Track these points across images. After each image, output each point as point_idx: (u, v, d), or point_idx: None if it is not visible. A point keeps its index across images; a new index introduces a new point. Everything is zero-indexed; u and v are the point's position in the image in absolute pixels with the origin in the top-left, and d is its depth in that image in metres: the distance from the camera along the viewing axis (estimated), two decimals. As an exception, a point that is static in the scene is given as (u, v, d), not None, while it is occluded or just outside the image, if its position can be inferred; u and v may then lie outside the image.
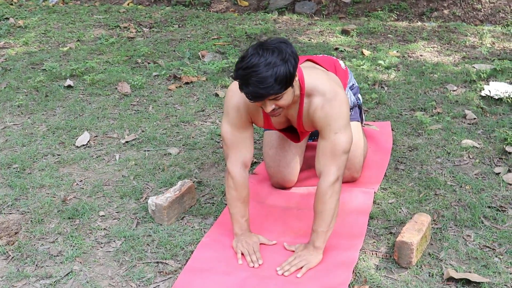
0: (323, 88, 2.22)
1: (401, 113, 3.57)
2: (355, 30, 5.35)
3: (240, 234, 2.34)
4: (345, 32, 5.38)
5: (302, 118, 2.30)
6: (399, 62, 4.50)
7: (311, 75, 2.25)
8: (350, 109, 2.68)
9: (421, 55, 4.69)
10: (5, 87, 4.27)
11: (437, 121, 3.43)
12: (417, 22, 6.03)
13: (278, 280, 2.14)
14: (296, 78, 2.13)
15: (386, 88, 4.01)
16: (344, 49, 4.86)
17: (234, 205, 2.33)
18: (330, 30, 5.54)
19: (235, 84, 2.20)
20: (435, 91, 3.91)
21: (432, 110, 3.58)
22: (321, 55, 2.76)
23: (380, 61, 4.46)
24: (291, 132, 2.54)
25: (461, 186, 2.73)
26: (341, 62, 2.78)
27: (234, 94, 2.28)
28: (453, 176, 2.82)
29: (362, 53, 4.74)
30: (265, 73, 1.94)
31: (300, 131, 2.45)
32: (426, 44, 4.98)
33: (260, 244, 2.34)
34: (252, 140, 2.37)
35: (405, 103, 3.73)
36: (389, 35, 5.30)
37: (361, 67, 4.40)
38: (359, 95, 2.92)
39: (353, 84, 2.85)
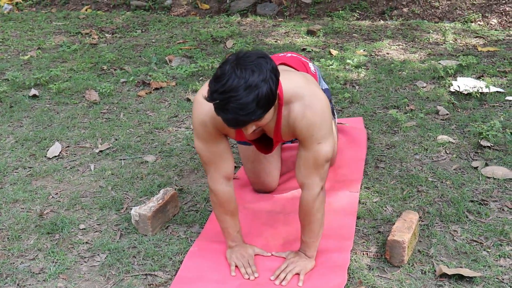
0: (301, 92, 2.03)
1: (375, 112, 3.59)
2: (321, 30, 5.37)
3: (234, 246, 2.28)
4: (310, 33, 5.39)
5: (280, 129, 2.09)
6: (367, 60, 4.54)
7: (287, 79, 2.04)
8: None
9: (387, 53, 4.74)
10: (-35, 99, 4.10)
11: (411, 118, 3.46)
12: (380, 20, 6.11)
13: (272, 286, 2.10)
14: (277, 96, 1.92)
15: (357, 87, 4.03)
16: (312, 50, 4.87)
17: (223, 220, 2.25)
18: (295, 31, 5.55)
19: (200, 95, 2.01)
20: (406, 88, 3.95)
21: (405, 107, 3.62)
22: (290, 55, 2.56)
23: (348, 60, 4.48)
24: (263, 141, 2.33)
25: (442, 182, 2.76)
26: (311, 65, 2.60)
27: (199, 106, 2.07)
28: (433, 172, 2.85)
29: (330, 53, 4.76)
30: (246, 98, 1.73)
31: (276, 141, 2.24)
32: (391, 42, 5.04)
33: (255, 255, 2.29)
34: (229, 151, 2.18)
35: (378, 101, 3.76)
36: (354, 34, 5.34)
37: (330, 67, 4.42)
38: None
39: (324, 88, 2.71)
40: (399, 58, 4.61)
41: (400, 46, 4.93)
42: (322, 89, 2.54)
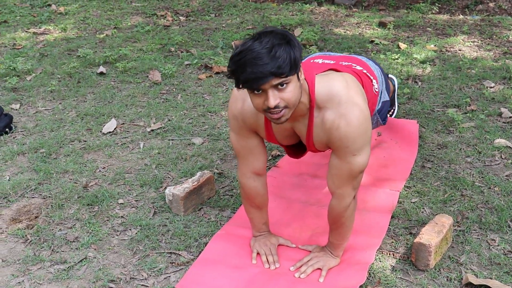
0: (338, 97, 1.86)
1: (433, 109, 3.45)
2: (392, 22, 5.21)
3: (259, 235, 2.29)
4: (382, 25, 5.25)
5: (312, 134, 1.95)
6: (435, 56, 4.35)
7: (324, 81, 1.90)
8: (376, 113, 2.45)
9: (459, 50, 4.52)
10: (40, 72, 4.35)
11: (471, 118, 3.30)
12: (459, 15, 5.83)
13: (289, 277, 2.10)
14: (302, 77, 1.81)
15: (420, 83, 3.88)
16: (380, 42, 4.74)
17: (250, 211, 2.25)
18: (367, 22, 5.41)
19: (235, 89, 1.90)
20: (471, 88, 3.76)
21: (466, 107, 3.45)
22: (352, 55, 2.36)
23: (415, 55, 4.32)
24: (297, 148, 2.23)
25: (489, 188, 2.62)
26: (375, 84, 2.32)
27: (234, 100, 2.02)
28: (482, 177, 2.70)
29: (398, 47, 4.61)
30: (263, 50, 1.63)
31: (309, 149, 2.08)
32: (466, 38, 4.81)
33: (278, 245, 2.29)
34: (261, 148, 2.11)
35: (438, 99, 3.60)
36: (428, 28, 5.14)
37: (396, 61, 4.28)
38: (395, 82, 2.81)
39: (384, 100, 2.51)
40: (471, 55, 4.39)
41: (475, 43, 4.69)
42: (381, 101, 2.44)
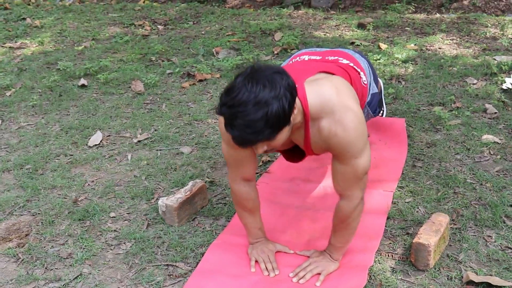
0: (330, 106, 1.85)
1: (419, 108, 3.47)
2: (371, 23, 5.25)
3: (255, 242, 2.27)
4: (361, 26, 5.28)
5: (310, 144, 1.96)
6: (416, 55, 4.39)
7: (315, 91, 1.88)
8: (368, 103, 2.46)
9: (439, 48, 4.57)
10: (20, 87, 4.27)
11: (457, 116, 3.32)
12: (436, 14, 5.90)
13: (289, 283, 2.08)
14: (297, 104, 1.78)
15: (403, 82, 3.91)
16: (360, 43, 4.76)
17: (243, 216, 2.23)
18: (346, 24, 5.44)
19: None
20: (454, 85, 3.80)
21: (451, 104, 3.47)
22: (342, 59, 2.30)
23: (397, 55, 4.35)
24: (294, 152, 2.21)
25: (481, 184, 2.63)
26: (363, 76, 2.31)
27: None
28: (473, 174, 2.72)
29: (379, 47, 4.64)
30: (254, 115, 1.59)
31: (308, 154, 2.12)
32: (445, 36, 4.86)
33: (276, 252, 2.26)
34: (251, 157, 2.08)
35: (423, 97, 3.63)
36: (406, 28, 5.18)
37: (378, 61, 4.30)
38: (380, 84, 2.82)
39: (373, 92, 2.51)
40: (451, 53, 4.43)
41: (454, 41, 4.74)
42: (370, 93, 2.43)
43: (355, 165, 1.90)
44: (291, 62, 2.36)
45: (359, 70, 2.30)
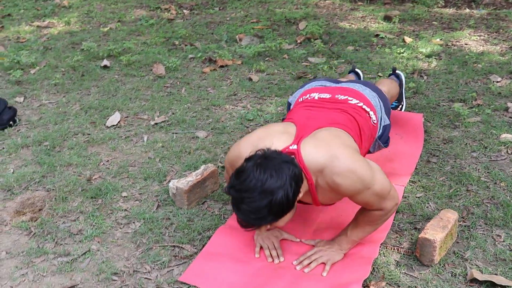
0: (320, 163, 1.90)
1: (438, 104, 3.42)
2: (397, 16, 5.18)
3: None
4: (387, 18, 5.21)
5: (318, 199, 2.01)
6: (441, 50, 4.32)
7: (310, 154, 1.92)
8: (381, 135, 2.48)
9: (466, 44, 4.49)
10: (44, 66, 4.34)
11: (477, 113, 3.27)
12: (465, 9, 5.79)
13: (292, 271, 2.08)
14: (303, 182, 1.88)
15: (425, 77, 3.86)
16: (385, 36, 4.71)
17: None
18: (372, 16, 5.38)
19: (243, 145, 2.02)
20: (477, 82, 3.73)
21: (472, 101, 3.42)
22: (349, 86, 2.39)
23: (421, 49, 4.30)
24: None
25: (495, 183, 2.60)
26: (372, 115, 2.35)
27: (235, 150, 2.06)
28: (488, 172, 2.68)
29: (404, 40, 4.58)
30: (259, 203, 1.70)
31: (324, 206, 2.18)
32: (473, 32, 4.77)
33: (281, 239, 2.28)
34: None
35: (444, 93, 3.58)
36: (433, 22, 5.10)
37: (401, 54, 4.25)
38: (402, 77, 2.99)
39: (382, 128, 2.48)
40: (477, 49, 4.35)
41: (481, 37, 4.65)
42: (382, 126, 2.45)
43: (373, 193, 1.94)
44: (301, 99, 2.41)
45: (368, 109, 2.34)
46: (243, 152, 1.96)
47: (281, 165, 1.75)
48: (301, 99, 2.42)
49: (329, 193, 1.96)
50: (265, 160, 1.76)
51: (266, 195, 1.70)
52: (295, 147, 1.94)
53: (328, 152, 1.92)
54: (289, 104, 2.60)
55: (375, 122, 2.38)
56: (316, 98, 2.36)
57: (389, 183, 1.99)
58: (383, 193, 1.95)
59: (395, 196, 2.01)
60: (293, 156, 1.89)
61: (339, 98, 2.33)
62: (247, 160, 1.78)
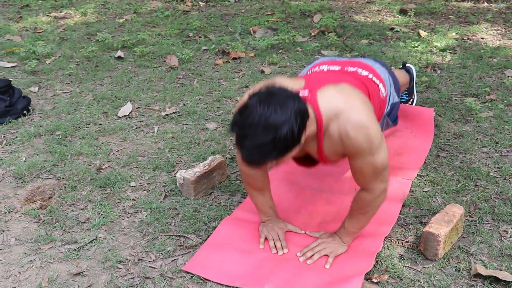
0: (335, 109, 1.86)
1: (450, 98, 3.39)
2: (413, 9, 5.13)
3: (267, 220, 2.29)
4: (403, 12, 5.17)
5: (323, 151, 1.96)
6: (456, 44, 4.28)
7: (325, 101, 1.87)
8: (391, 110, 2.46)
9: (482, 38, 4.44)
10: (59, 56, 4.39)
11: (489, 108, 3.24)
12: (484, 2, 5.71)
13: (295, 262, 2.09)
14: (311, 114, 1.81)
15: (439, 71, 3.82)
16: (400, 30, 4.67)
17: (253, 195, 2.25)
18: (388, 9, 5.34)
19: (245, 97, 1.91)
20: (492, 77, 3.69)
21: (485, 96, 3.38)
22: (362, 71, 2.29)
23: (436, 43, 4.25)
24: (306, 159, 2.19)
25: (505, 178, 2.57)
26: (381, 88, 2.33)
27: (242, 101, 1.94)
28: (497, 167, 2.66)
29: (419, 34, 4.54)
30: (263, 138, 1.62)
31: (323, 163, 2.10)
32: (490, 26, 4.71)
33: (286, 231, 2.28)
34: None
35: (457, 87, 3.54)
36: (450, 16, 5.05)
37: (415, 48, 4.22)
38: (413, 71, 2.95)
39: (391, 105, 2.47)
40: (494, 43, 4.30)
41: (498, 31, 4.59)
42: (390, 103, 2.42)
43: (372, 161, 1.90)
44: (310, 71, 2.38)
45: (378, 82, 2.30)
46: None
47: (285, 99, 1.68)
48: (310, 71, 2.37)
49: (335, 144, 1.89)
50: (269, 95, 1.69)
51: (270, 130, 1.63)
52: (306, 92, 1.88)
53: (347, 101, 1.87)
54: None
55: (384, 95, 2.34)
56: (325, 70, 2.31)
57: (387, 162, 1.95)
58: (379, 168, 1.92)
59: (385, 180, 1.99)
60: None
61: (349, 70, 2.28)
62: (251, 96, 1.70)
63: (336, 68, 2.29)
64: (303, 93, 1.89)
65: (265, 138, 1.63)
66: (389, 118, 2.46)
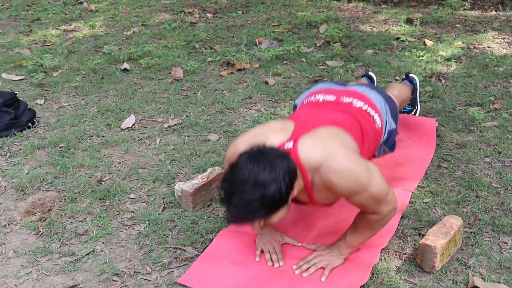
0: (316, 161, 1.87)
1: (454, 108, 3.37)
2: (419, 19, 5.11)
3: (263, 232, 2.28)
4: (409, 21, 5.15)
5: (314, 198, 1.98)
6: (462, 53, 4.25)
7: (307, 152, 1.90)
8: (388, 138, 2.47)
9: (488, 47, 4.40)
10: (66, 69, 4.44)
11: (493, 117, 3.20)
12: (491, 11, 5.67)
13: (291, 275, 2.08)
14: (297, 173, 1.84)
15: (443, 81, 3.80)
16: (406, 39, 4.65)
17: None
18: (394, 19, 5.33)
19: (237, 144, 1.99)
20: (497, 86, 3.66)
21: (489, 105, 3.35)
22: (354, 89, 2.36)
23: (441, 52, 4.23)
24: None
25: (506, 189, 2.54)
26: (377, 119, 2.34)
27: (234, 148, 2.02)
28: (499, 178, 2.62)
29: (424, 43, 4.52)
30: (251, 195, 1.66)
31: (321, 207, 2.19)
32: (496, 35, 4.67)
33: (283, 243, 2.27)
34: None
35: (461, 97, 3.51)
36: (457, 25, 5.02)
37: (421, 57, 4.20)
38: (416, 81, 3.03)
39: (391, 129, 2.48)
40: (500, 52, 4.26)
41: (505, 40, 4.56)
42: (387, 131, 2.44)
43: (368, 195, 1.90)
44: (305, 100, 2.42)
45: (373, 113, 2.33)
46: (239, 149, 1.96)
47: (275, 159, 1.73)
48: (306, 100, 2.42)
49: (325, 192, 1.93)
50: (259, 154, 1.74)
51: (259, 187, 1.67)
52: (291, 144, 1.92)
53: (325, 150, 1.89)
54: (295, 106, 2.60)
55: (380, 126, 2.35)
56: (320, 100, 2.35)
57: (388, 187, 1.96)
58: (380, 197, 1.92)
59: (392, 201, 1.98)
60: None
61: (344, 101, 2.32)
62: (242, 154, 1.76)
63: (332, 98, 2.33)
64: (288, 145, 1.92)
65: (253, 195, 1.66)
66: (386, 145, 2.48)
